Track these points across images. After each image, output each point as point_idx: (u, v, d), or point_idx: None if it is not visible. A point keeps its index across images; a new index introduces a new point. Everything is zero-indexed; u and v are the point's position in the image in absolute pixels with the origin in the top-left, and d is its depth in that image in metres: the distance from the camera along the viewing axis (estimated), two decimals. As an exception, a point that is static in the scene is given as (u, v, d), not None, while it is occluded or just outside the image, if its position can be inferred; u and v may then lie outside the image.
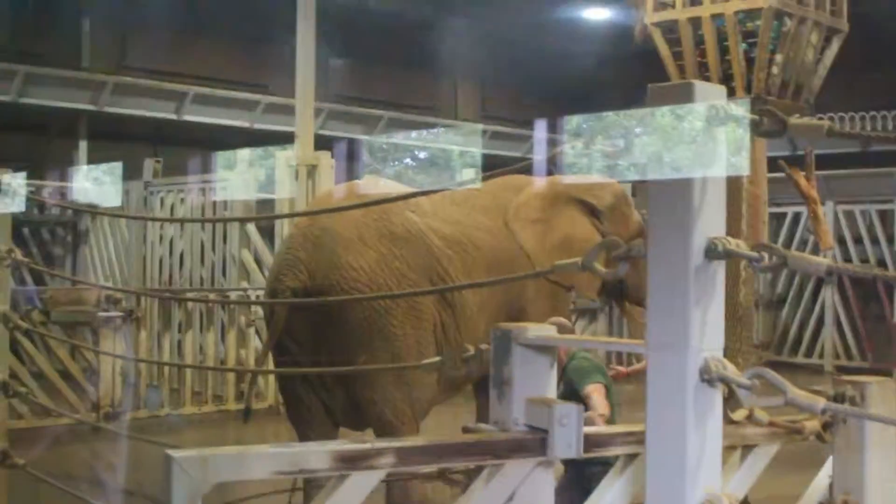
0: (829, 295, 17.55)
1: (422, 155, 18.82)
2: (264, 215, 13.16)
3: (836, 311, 17.50)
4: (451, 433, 3.21)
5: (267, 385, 12.94)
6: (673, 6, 9.14)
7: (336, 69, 19.94)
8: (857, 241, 16.99)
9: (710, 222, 2.80)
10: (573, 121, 3.83)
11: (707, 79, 8.72)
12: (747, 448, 3.47)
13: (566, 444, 3.08)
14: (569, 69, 21.85)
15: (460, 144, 19.29)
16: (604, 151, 3.14)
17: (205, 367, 12.81)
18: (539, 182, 8.17)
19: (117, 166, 14.97)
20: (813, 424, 3.33)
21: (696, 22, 8.98)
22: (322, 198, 8.34)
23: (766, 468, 3.54)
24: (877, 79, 18.28)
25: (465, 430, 3.30)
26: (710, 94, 2.79)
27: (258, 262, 13.52)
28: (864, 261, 17.01)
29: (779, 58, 8.61)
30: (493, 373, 3.28)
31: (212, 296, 13.03)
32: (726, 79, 8.66)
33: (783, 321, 17.66)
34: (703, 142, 2.78)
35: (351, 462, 2.80)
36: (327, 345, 6.85)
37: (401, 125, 20.55)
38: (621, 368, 7.55)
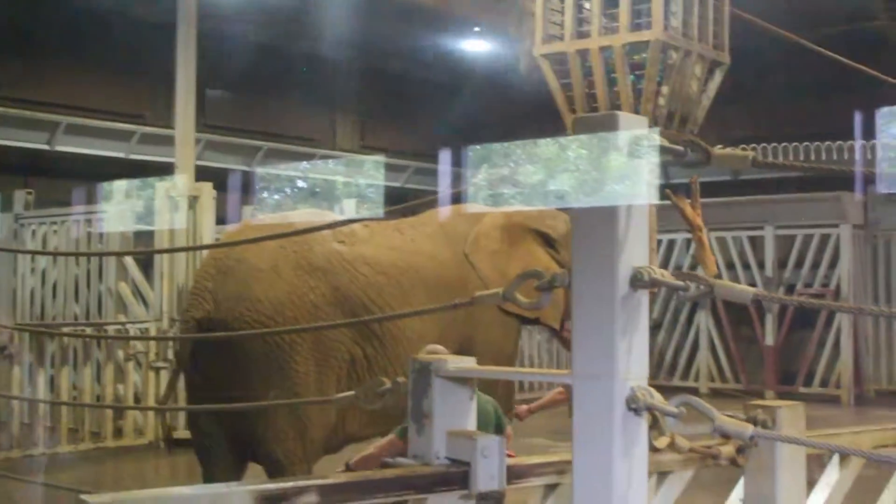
0: (703, 319, 17.97)
1: (302, 185, 18.65)
2: (170, 248, 12.78)
3: (711, 335, 17.92)
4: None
5: (146, 420, 12.57)
6: (561, 38, 9.28)
7: (213, 99, 19.65)
8: (730, 266, 17.44)
9: (635, 251, 2.81)
10: (478, 151, 3.81)
11: (595, 109, 8.86)
12: (662, 474, 3.47)
13: (489, 476, 3.04)
14: (449, 101, 22.00)
15: (342, 174, 19.20)
16: (517, 181, 3.12)
17: (102, 405, 12.38)
18: (494, 213, 8.12)
19: (-14, 198, 14.44)
20: (728, 449, 3.35)
21: (584, 54, 9.13)
22: (241, 229, 8.15)
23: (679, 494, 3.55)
24: (742, 110, 18.94)
25: (385, 464, 3.23)
26: (633, 125, 2.80)
27: (136, 294, 13.16)
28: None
29: (665, 89, 8.81)
30: (411, 405, 3.22)
31: (88, 330, 12.62)
32: (614, 109, 8.80)
33: (659, 345, 18.00)
34: (626, 171, 2.78)
35: (273, 501, 2.70)
36: (229, 378, 6.67)
37: (279, 156, 20.35)
38: (523, 407, 7.53)
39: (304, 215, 7.76)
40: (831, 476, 3.86)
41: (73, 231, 13.72)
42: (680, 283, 2.75)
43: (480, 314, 7.60)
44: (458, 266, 7.72)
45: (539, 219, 8.36)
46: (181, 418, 11.92)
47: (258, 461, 7.04)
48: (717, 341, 17.86)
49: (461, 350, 6.88)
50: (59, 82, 17.79)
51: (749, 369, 17.61)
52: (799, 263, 17.21)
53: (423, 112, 22.26)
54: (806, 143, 12.00)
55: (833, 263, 16.89)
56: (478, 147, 3.76)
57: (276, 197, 17.13)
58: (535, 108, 19.35)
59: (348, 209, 15.13)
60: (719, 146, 2.73)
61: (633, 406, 2.74)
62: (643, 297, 2.82)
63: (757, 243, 17.69)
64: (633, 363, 2.79)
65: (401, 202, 18.31)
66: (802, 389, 16.45)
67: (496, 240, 8.08)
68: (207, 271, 6.96)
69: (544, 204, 3.04)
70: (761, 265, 17.50)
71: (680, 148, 2.73)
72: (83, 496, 2.53)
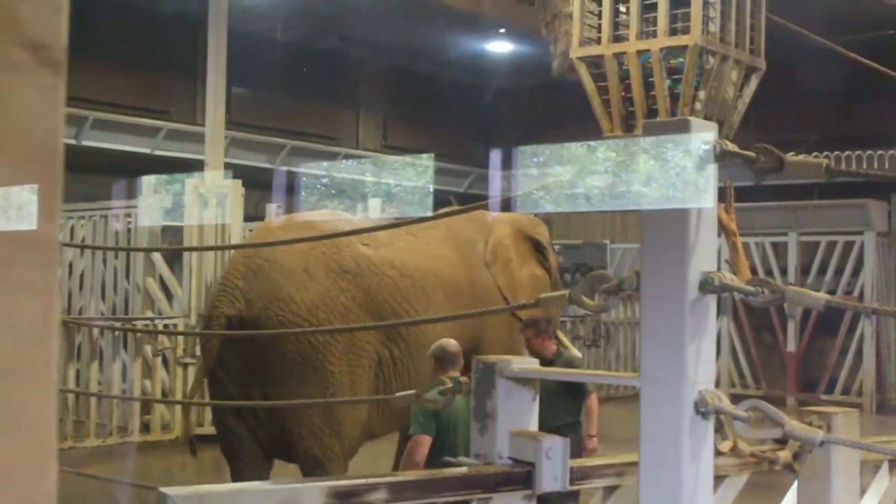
0: (724, 324, 17.95)
1: (326, 182, 18.69)
2: (198, 247, 12.82)
3: (732, 340, 17.90)
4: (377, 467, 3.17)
5: (173, 416, 12.64)
6: (598, 42, 9.30)
7: (239, 97, 19.73)
8: (752, 273, 17.41)
9: (704, 256, 2.83)
10: (527, 152, 3.81)
11: (631, 113, 8.89)
12: (718, 478, 3.50)
13: (552, 476, 3.07)
14: (473, 101, 22.06)
15: (367, 174, 19.24)
16: (582, 185, 3.15)
17: (133, 398, 12.44)
18: (501, 219, 8.40)
19: (15, 192, 14.49)
20: (785, 454, 3.37)
21: (620, 57, 9.16)
22: (264, 228, 8.24)
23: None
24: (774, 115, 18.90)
25: (446, 463, 3.26)
26: (703, 129, 2.83)
27: (164, 291, 13.23)
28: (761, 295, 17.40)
29: (701, 94, 8.82)
30: (474, 405, 3.25)
31: (117, 325, 12.70)
32: (651, 113, 8.84)
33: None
34: (696, 176, 2.80)
35: (345, 497, 2.74)
36: (259, 377, 6.72)
37: (303, 154, 20.41)
38: (594, 440, 7.61)
39: (322, 216, 7.84)
40: (882, 483, 3.88)
41: (99, 225, 13.79)
42: (751, 288, 2.77)
43: (487, 320, 7.86)
44: (467, 269, 7.95)
45: (531, 226, 8.72)
46: (206, 414, 12.00)
47: (293, 459, 7.08)
48: (738, 346, 17.84)
49: (471, 351, 7.00)
50: (86, 78, 17.85)
51: (770, 376, 17.59)
52: (822, 270, 17.19)
53: (446, 112, 22.31)
54: (836, 153, 11.99)
55: (856, 271, 16.85)
56: (526, 148, 3.76)
57: (302, 195, 17.15)
58: (565, 110, 19.45)
59: (373, 209, 15.14)
60: (791, 153, 2.75)
61: (702, 409, 2.77)
62: (711, 301, 2.85)
63: (780, 249, 17.68)
64: (701, 367, 2.81)
65: (424, 202, 18.34)
66: (823, 397, 16.42)
67: (510, 249, 8.38)
68: (237, 269, 7.01)
69: (606, 207, 3.05)
70: (784, 271, 17.48)
71: (752, 154, 2.75)
72: (162, 489, 2.57)
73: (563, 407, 7.53)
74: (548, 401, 7.96)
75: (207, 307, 7.24)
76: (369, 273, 7.15)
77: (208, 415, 12.01)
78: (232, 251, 11.53)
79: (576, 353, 8.35)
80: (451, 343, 5.97)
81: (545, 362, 7.78)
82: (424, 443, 5.89)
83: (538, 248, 8.68)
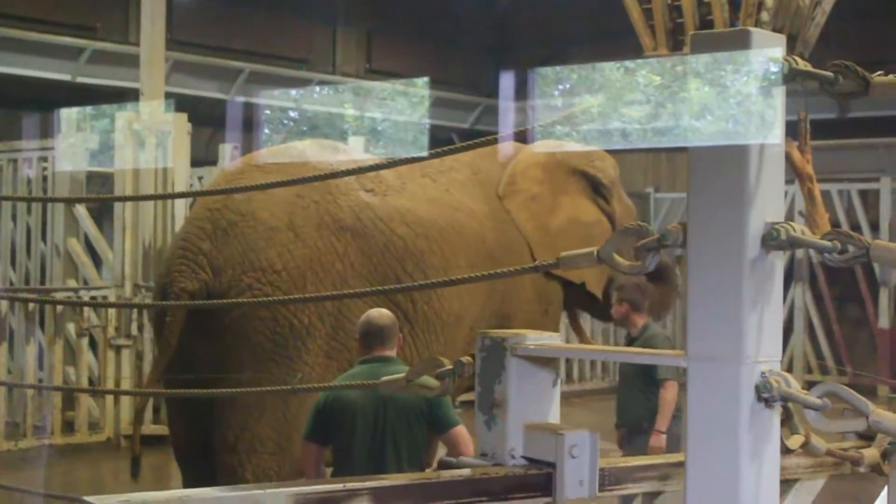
0: (799, 295, 17.95)
1: (294, 117, 18.69)
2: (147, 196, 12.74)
3: (808, 315, 17.92)
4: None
5: (103, 412, 12.70)
6: (637, -63, 9.26)
7: (183, 8, 19.65)
8: (834, 227, 17.41)
9: (768, 203, 2.84)
10: (545, 76, 3.80)
11: (680, 26, 8.86)
12: (787, 482, 3.53)
13: (577, 480, 3.10)
14: (480, 12, 21.94)
15: (346, 105, 19.24)
16: (623, 118, 3.15)
17: (60, 387, 12.46)
18: (532, 148, 7.97)
19: None
20: (872, 453, 3.40)
21: (667, -47, 9.13)
22: (238, 169, 7.73)
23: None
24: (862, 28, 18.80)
25: (443, 464, 3.28)
26: (769, 43, 2.83)
27: (91, 254, 13.26)
28: (842, 252, 17.42)
29: (769, 1, 8.79)
30: (480, 392, 3.27)
31: (32, 297, 12.73)
32: (704, 26, 8.79)
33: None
34: (759, 103, 2.81)
35: (316, 507, 2.77)
36: (222, 366, 6.55)
37: (265, 81, 20.35)
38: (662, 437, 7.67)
39: (313, 148, 7.58)
40: None
41: (6, 172, 13.79)
42: (826, 242, 2.78)
43: (519, 290, 7.62)
44: (498, 225, 7.67)
45: (586, 158, 8.38)
46: (149, 411, 12.05)
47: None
48: (816, 322, 17.88)
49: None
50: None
51: (856, 358, 17.62)
52: (922, 224, 17.23)
53: (445, 26, 22.24)
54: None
55: (969, 225, 16.90)
56: (547, 71, 3.74)
57: (265, 132, 17.16)
58: (596, 22, 19.35)
59: (355, 150, 15.14)
60: (879, 73, 2.75)
61: (765, 395, 2.78)
62: (777, 260, 2.86)
63: (869, 198, 17.67)
64: (764, 342, 2.83)
65: (419, 141, 18.36)
66: (923, 384, 16.51)
67: (536, 181, 8.08)
68: (201, 227, 6.76)
69: (647, 144, 3.05)
70: (874, 226, 17.49)
71: (829, 74, 2.75)
72: (87, 498, 2.61)
73: (637, 398, 7.56)
74: (625, 389, 8.00)
75: (160, 278, 6.99)
76: (374, 230, 6.92)
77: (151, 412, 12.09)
78: (185, 206, 11.44)
79: (658, 329, 8.06)
80: (381, 314, 5.65)
81: (629, 339, 7.80)
82: (309, 451, 5.69)
83: (596, 188, 8.43)
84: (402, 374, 3.49)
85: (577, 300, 8.45)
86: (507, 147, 8.02)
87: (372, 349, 5.54)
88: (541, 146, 7.85)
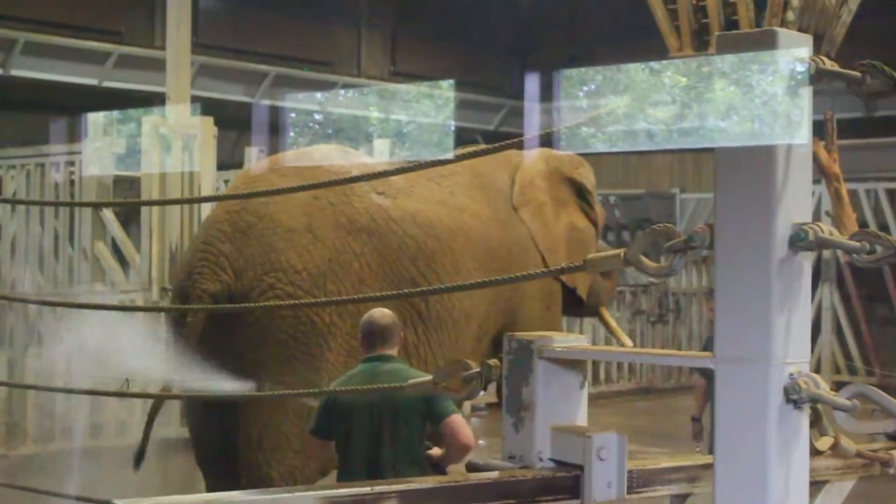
0: (826, 294, 17.87)
1: (320, 119, 18.72)
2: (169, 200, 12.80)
3: (836, 315, 17.85)
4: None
5: (131, 417, 12.74)
6: (664, -68, 9.24)
7: (208, 14, 19.72)
8: (862, 227, 17.36)
9: (796, 204, 2.83)
10: (569, 77, 3.80)
11: (705, 26, 8.84)
12: (816, 485, 3.52)
13: (605, 483, 3.10)
14: (505, 14, 21.93)
15: (371, 108, 19.26)
16: (648, 118, 3.15)
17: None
18: (531, 156, 8.24)
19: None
20: (902, 455, 3.39)
21: (693, -48, 9.11)
22: (252, 176, 7.93)
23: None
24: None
25: (472, 467, 3.29)
26: (794, 43, 2.83)
27: (118, 258, 13.30)
28: (870, 252, 17.36)
29: (795, 0, 8.75)
30: (507, 394, 3.28)
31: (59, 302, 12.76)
32: (730, 26, 8.76)
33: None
34: (786, 103, 2.80)
35: (345, 510, 2.78)
36: (244, 365, 6.58)
37: (291, 84, 20.41)
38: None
39: (328, 153, 7.73)
40: None
41: (34, 176, 13.84)
42: (855, 243, 2.77)
43: (525, 288, 7.75)
44: (500, 226, 7.83)
45: (571, 165, 8.61)
46: (173, 414, 12.08)
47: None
48: (844, 322, 17.80)
49: (504, 331, 6.89)
50: (16, -8, 17.92)
51: (886, 359, 17.54)
52: (954, 224, 17.14)
53: (470, 28, 22.24)
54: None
55: None
56: (572, 72, 3.74)
57: (290, 135, 17.19)
58: (621, 23, 19.33)
59: (379, 152, 15.17)
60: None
61: (794, 397, 2.78)
62: (805, 261, 2.86)
63: (896, 198, 17.61)
64: (792, 344, 2.83)
65: (444, 143, 18.35)
66: (954, 384, 16.42)
67: (542, 190, 8.28)
68: (222, 230, 6.86)
69: (673, 145, 3.05)
70: (902, 226, 17.42)
71: (856, 74, 2.74)
72: (116, 501, 2.63)
73: None
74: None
75: (180, 280, 7.06)
76: (388, 231, 7.04)
77: (175, 414, 12.10)
78: (211, 209, 11.48)
79: (625, 339, 8.45)
80: (383, 314, 5.73)
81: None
82: (311, 444, 5.91)
83: (581, 194, 8.60)
84: (429, 377, 3.50)
85: (566, 300, 8.63)
86: (510, 153, 8.14)
87: (374, 348, 5.66)
88: (535, 153, 8.15)
